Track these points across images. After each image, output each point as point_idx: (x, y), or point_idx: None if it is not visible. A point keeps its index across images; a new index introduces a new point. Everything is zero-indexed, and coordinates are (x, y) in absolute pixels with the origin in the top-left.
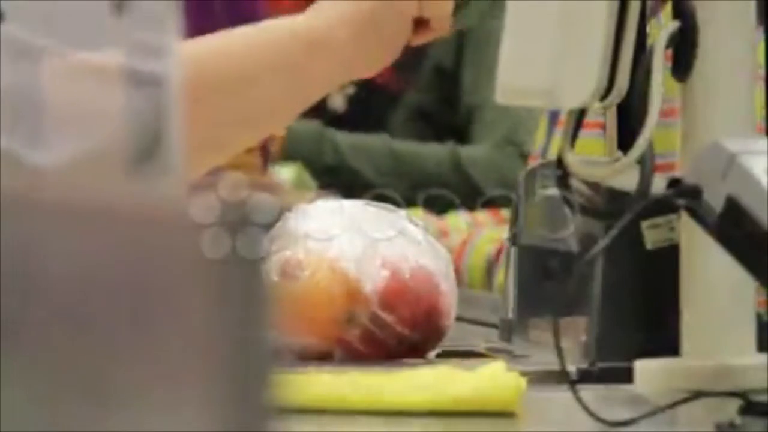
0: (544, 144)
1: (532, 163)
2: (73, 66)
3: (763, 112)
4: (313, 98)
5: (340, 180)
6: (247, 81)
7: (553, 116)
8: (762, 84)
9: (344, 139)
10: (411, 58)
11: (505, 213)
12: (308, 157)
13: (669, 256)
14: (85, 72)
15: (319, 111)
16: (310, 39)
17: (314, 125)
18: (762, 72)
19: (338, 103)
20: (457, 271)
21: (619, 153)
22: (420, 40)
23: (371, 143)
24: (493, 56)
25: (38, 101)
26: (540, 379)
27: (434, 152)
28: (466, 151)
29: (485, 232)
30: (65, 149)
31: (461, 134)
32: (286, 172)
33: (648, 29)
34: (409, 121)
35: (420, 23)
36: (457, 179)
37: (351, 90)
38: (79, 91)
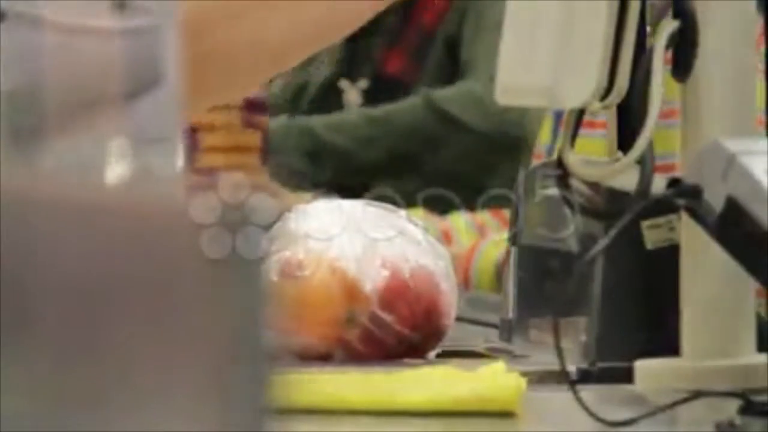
0: (549, 143)
1: (537, 162)
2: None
3: (764, 105)
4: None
5: (323, 162)
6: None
7: (559, 116)
8: (762, 77)
9: (317, 121)
10: (422, 43)
11: (507, 213)
12: (287, 151)
13: (669, 256)
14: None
15: (334, 111)
16: None
17: (281, 120)
18: (762, 66)
19: (353, 97)
20: (466, 276)
21: (619, 153)
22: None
23: (345, 117)
24: (491, 19)
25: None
26: (540, 379)
27: (408, 103)
28: (440, 93)
29: (494, 236)
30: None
31: None
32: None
33: (650, 30)
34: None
35: None
36: (435, 121)
37: (365, 84)
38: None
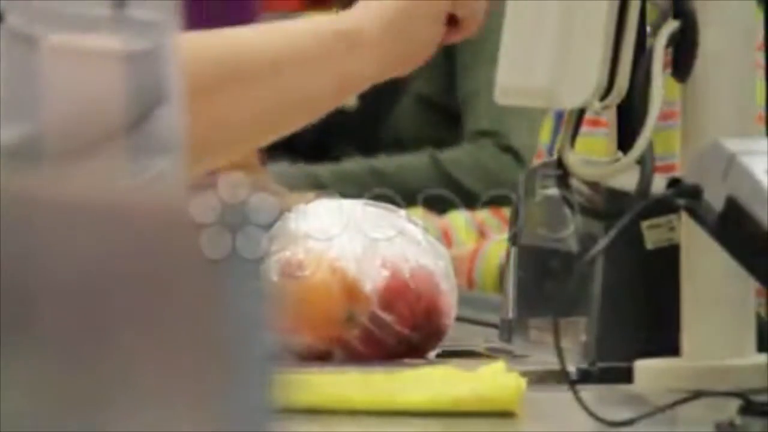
0: (549, 143)
1: (538, 162)
2: (72, 48)
3: (764, 102)
4: (346, 93)
5: None
6: (276, 70)
7: (560, 116)
8: (762, 73)
9: (323, 170)
10: None
11: (507, 211)
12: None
13: (669, 256)
14: (83, 54)
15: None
16: (347, 35)
17: (293, 167)
18: (762, 61)
19: (350, 99)
20: (470, 277)
21: (619, 153)
22: (452, 39)
23: (349, 167)
24: (488, 43)
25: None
26: (540, 379)
27: (415, 160)
28: (446, 155)
29: (496, 237)
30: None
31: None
32: None
33: (650, 30)
34: (415, 110)
35: (452, 22)
36: (440, 182)
37: None
38: (77, 71)
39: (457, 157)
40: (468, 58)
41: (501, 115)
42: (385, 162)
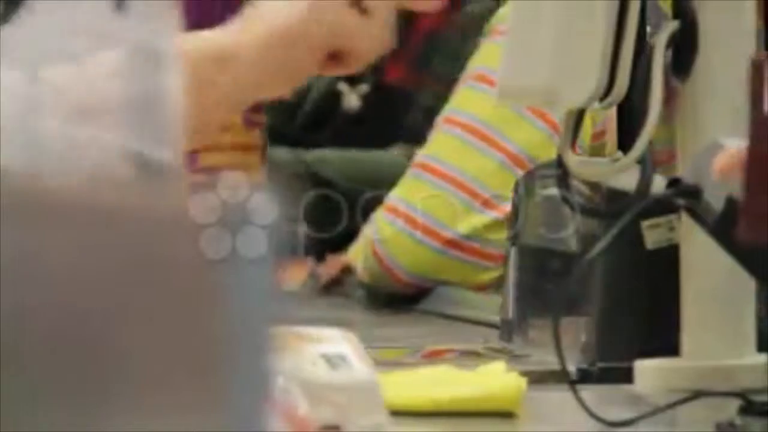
0: None
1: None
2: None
3: None
4: (215, 115)
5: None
6: None
7: None
8: None
9: (310, 156)
10: (424, 52)
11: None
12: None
13: (669, 256)
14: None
15: (332, 114)
16: (217, 55)
17: (289, 153)
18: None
19: (353, 101)
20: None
21: (619, 153)
22: (333, 72)
23: (338, 155)
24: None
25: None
26: (540, 379)
27: (391, 159)
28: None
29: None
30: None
31: None
32: None
33: (650, 30)
34: (425, 121)
35: (335, 54)
36: None
37: (365, 89)
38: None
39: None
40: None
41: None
42: (366, 154)
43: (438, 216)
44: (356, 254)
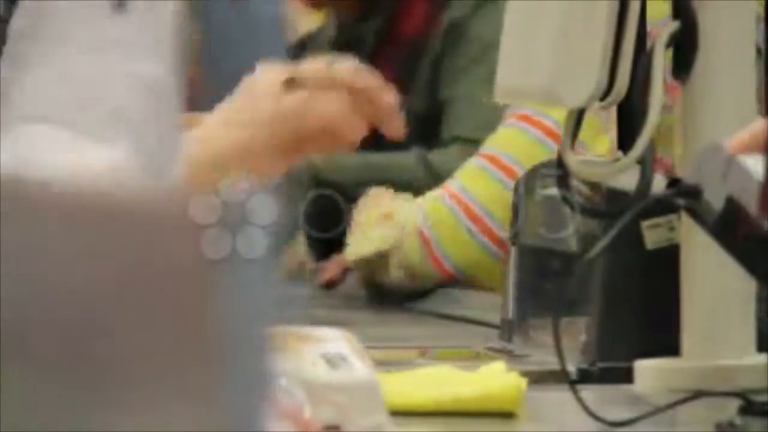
0: None
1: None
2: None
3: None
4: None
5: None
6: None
7: None
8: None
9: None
10: (409, 59)
11: None
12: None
13: (669, 256)
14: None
15: None
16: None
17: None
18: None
19: None
20: (424, 239)
21: (619, 153)
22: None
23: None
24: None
25: None
26: (540, 379)
27: (403, 160)
28: (435, 156)
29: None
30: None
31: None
32: None
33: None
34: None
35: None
36: (429, 180)
37: None
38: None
39: (445, 156)
40: (456, 63)
41: (485, 122)
42: (376, 156)
43: (497, 214)
44: (356, 252)
